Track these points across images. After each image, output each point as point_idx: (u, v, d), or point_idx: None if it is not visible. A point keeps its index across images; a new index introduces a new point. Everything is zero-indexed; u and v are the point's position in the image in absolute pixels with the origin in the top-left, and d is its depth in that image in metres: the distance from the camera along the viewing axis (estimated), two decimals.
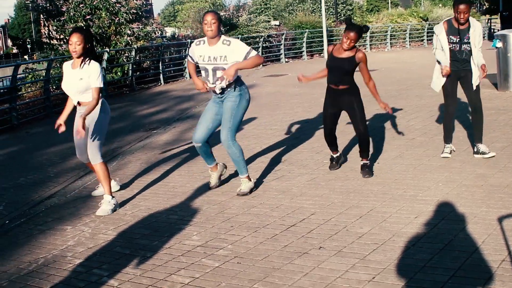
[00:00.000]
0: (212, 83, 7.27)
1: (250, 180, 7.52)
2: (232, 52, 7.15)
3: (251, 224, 6.29)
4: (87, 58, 6.96)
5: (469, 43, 8.10)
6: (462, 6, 7.95)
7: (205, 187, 7.83)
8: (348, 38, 7.60)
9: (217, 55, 7.18)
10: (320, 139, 10.20)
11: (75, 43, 6.86)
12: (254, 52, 7.25)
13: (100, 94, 7.08)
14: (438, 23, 8.42)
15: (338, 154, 8.44)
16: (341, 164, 8.48)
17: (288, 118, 12.70)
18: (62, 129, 6.92)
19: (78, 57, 6.96)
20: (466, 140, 9.28)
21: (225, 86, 7.25)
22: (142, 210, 7.07)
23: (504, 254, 5.05)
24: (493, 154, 8.32)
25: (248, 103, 7.52)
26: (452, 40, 8.12)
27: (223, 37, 7.26)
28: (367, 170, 7.95)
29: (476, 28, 8.14)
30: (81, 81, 6.94)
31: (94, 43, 7.26)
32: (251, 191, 7.46)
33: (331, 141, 8.28)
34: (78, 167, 9.22)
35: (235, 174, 7.92)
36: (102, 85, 7.08)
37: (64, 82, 7.16)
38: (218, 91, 7.27)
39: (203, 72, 7.33)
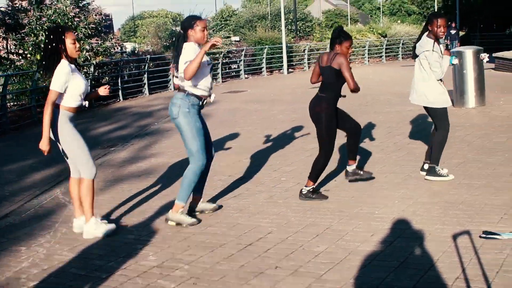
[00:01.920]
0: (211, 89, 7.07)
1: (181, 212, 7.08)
2: None
3: (208, 243, 6.27)
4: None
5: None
6: (443, 20, 8.04)
7: (163, 206, 7.78)
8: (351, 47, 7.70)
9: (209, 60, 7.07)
10: (278, 157, 10.27)
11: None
12: None
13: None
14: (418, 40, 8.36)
15: None
16: None
17: (246, 136, 12.71)
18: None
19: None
20: (422, 157, 9.34)
21: None
22: None
23: (458, 272, 5.10)
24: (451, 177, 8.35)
25: None
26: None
27: None
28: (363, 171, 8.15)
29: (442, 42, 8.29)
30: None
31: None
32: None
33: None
34: (35, 185, 9.11)
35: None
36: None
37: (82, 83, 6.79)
38: (212, 100, 7.14)
39: (209, 75, 6.99)
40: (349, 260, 5.55)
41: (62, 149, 6.70)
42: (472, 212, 6.71)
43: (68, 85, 6.50)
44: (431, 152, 8.34)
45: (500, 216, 6.53)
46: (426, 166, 8.45)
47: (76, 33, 21.99)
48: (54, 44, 6.53)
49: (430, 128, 8.79)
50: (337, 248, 5.90)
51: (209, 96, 7.03)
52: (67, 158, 6.76)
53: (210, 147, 7.24)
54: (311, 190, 7.75)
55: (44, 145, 6.45)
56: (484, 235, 5.91)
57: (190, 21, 6.90)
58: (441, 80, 8.17)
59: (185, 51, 6.80)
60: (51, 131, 6.52)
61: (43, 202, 8.47)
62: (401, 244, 5.89)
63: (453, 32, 35.66)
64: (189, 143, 6.88)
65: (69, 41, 6.56)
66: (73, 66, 6.63)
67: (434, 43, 8.02)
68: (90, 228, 6.71)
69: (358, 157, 8.70)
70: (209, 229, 6.77)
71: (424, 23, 8.46)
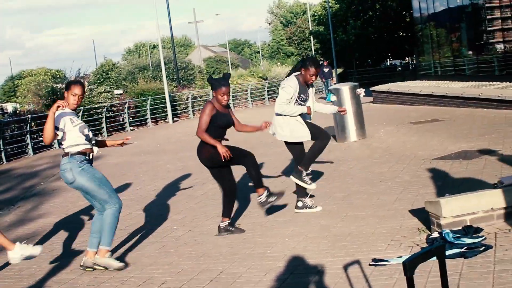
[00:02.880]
0: (91, 143, 7.17)
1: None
2: None
3: None
4: None
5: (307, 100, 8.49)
6: (317, 69, 8.37)
7: (53, 267, 7.61)
8: (224, 93, 7.75)
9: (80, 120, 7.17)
10: (168, 206, 10.25)
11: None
12: None
13: None
14: (285, 77, 8.63)
15: None
16: None
17: (134, 188, 12.63)
18: None
19: None
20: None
21: None
22: None
23: None
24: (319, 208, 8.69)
25: None
26: (302, 99, 8.42)
27: None
28: (235, 227, 8.18)
29: (312, 86, 8.57)
30: None
31: None
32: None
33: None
34: None
35: (81, 252, 7.70)
36: None
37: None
38: (96, 152, 7.27)
39: (85, 130, 7.04)
40: None
41: None
42: (360, 242, 6.89)
43: None
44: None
45: (387, 243, 6.73)
46: (299, 204, 8.71)
47: None
48: None
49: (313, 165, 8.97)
50: None
51: (92, 150, 7.14)
52: None
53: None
54: (228, 224, 8.01)
55: None
56: (373, 263, 6.07)
57: (69, 85, 7.15)
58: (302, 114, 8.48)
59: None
60: None
61: None
62: (295, 280, 5.98)
63: (326, 70, 36.60)
64: (99, 194, 7.05)
65: None
66: None
67: (296, 84, 8.34)
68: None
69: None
70: (103, 285, 6.66)
71: (297, 62, 8.70)
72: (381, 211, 8.14)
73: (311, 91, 8.60)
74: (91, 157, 7.14)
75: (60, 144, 7.07)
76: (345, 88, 15.19)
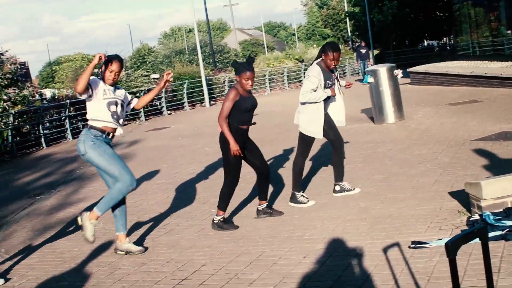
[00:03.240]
0: (115, 124, 7.10)
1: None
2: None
3: (143, 282, 6.24)
4: None
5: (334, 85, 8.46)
6: (337, 54, 8.29)
7: (93, 249, 7.71)
8: (249, 78, 7.62)
9: (120, 93, 7.19)
10: (206, 189, 10.30)
11: None
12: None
13: None
14: (310, 65, 8.61)
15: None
16: None
17: (173, 171, 12.70)
18: None
19: None
20: (347, 176, 9.50)
21: None
22: (31, 280, 6.88)
23: (391, 284, 5.20)
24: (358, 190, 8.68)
25: None
26: (328, 85, 8.38)
27: None
28: (273, 209, 8.12)
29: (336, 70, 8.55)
30: None
31: None
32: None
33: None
34: None
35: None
36: None
37: None
38: (120, 133, 7.24)
39: (112, 107, 7.02)
40: (284, 284, 5.60)
41: None
42: (399, 225, 6.86)
43: None
44: (335, 173, 8.75)
45: (427, 225, 6.69)
46: (337, 188, 8.70)
47: None
48: None
49: (347, 149, 8.94)
50: (271, 273, 5.94)
51: (114, 130, 7.12)
52: None
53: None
54: (222, 219, 7.86)
55: None
56: (413, 245, 6.05)
57: (107, 61, 7.06)
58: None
59: None
60: None
61: None
62: (334, 263, 5.98)
63: (363, 51, 36.14)
64: (109, 170, 6.98)
65: None
66: None
67: (319, 71, 8.29)
68: None
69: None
70: (143, 267, 6.73)
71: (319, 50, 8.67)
72: (420, 193, 8.09)
73: (336, 74, 8.56)
74: (110, 136, 7.10)
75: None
76: (383, 70, 15.09)
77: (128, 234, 7.54)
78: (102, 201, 7.07)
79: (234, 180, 7.82)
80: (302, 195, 8.49)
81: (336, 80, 8.53)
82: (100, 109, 6.98)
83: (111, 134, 7.10)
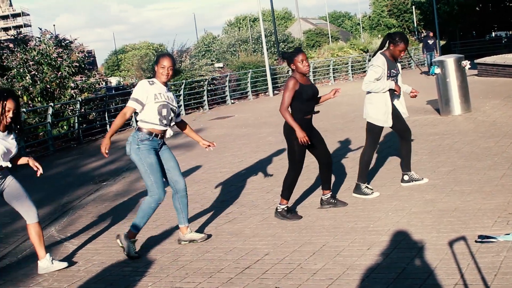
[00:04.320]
0: (166, 125, 7.11)
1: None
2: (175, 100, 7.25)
3: (206, 269, 6.28)
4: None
5: (398, 75, 8.36)
6: (406, 45, 8.18)
7: (158, 236, 7.79)
8: (303, 59, 7.56)
9: (169, 96, 7.14)
10: (270, 178, 10.30)
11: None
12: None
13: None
14: (374, 55, 8.51)
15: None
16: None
17: (236, 160, 12.74)
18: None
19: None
20: (412, 167, 9.40)
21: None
22: (96, 265, 6.99)
23: (456, 278, 5.13)
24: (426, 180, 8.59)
25: None
26: (393, 74, 8.29)
27: None
28: (337, 200, 8.09)
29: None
30: None
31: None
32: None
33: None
34: None
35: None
36: None
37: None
38: (169, 135, 7.20)
39: (163, 110, 7.02)
40: (348, 275, 5.56)
41: None
42: (466, 218, 6.74)
43: None
44: (403, 162, 8.69)
45: (494, 219, 6.57)
46: (406, 177, 8.59)
47: (60, 72, 22.08)
48: None
49: (415, 139, 8.82)
50: (334, 264, 5.92)
51: (164, 132, 7.13)
52: None
53: (176, 181, 7.32)
54: (285, 208, 7.83)
55: None
56: (479, 240, 5.95)
57: (158, 58, 7.17)
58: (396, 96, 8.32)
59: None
60: None
61: None
62: (398, 255, 5.92)
63: (430, 42, 35.31)
64: (144, 178, 7.09)
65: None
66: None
67: (384, 61, 8.21)
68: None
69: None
70: (206, 255, 6.77)
71: (382, 40, 8.54)
72: (487, 187, 7.94)
73: (399, 65, 8.45)
74: (159, 137, 7.10)
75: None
76: (450, 60, 14.83)
77: (191, 221, 7.59)
78: (136, 218, 7.15)
79: (297, 169, 7.78)
80: (367, 186, 8.41)
81: (399, 71, 8.43)
82: (150, 112, 7.00)
83: (159, 135, 7.11)
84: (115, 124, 7.08)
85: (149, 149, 7.02)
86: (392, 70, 8.26)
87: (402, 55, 8.22)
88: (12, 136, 6.72)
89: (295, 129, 7.45)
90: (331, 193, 8.13)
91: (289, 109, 7.62)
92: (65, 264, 6.96)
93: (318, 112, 7.83)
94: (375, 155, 10.68)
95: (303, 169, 7.92)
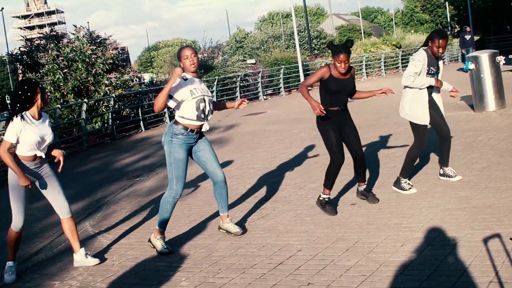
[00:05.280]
0: (203, 119, 7.09)
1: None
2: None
3: (239, 265, 6.30)
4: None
5: (438, 73, 8.30)
6: (444, 41, 8.11)
7: (191, 232, 7.84)
8: (341, 61, 7.51)
9: (204, 88, 7.14)
10: (303, 174, 10.31)
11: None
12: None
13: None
14: (415, 50, 8.50)
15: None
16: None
17: (269, 156, 12.75)
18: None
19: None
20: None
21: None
22: (129, 259, 7.06)
23: (491, 275, 5.09)
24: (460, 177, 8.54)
25: None
26: (431, 71, 8.24)
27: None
28: (371, 194, 8.10)
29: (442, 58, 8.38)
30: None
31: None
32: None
33: (337, 174, 7.93)
34: None
35: (219, 218, 7.83)
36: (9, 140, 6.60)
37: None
38: (206, 129, 7.20)
39: (201, 105, 7.00)
40: (381, 272, 5.55)
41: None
42: (500, 215, 6.68)
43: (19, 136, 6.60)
44: (441, 157, 8.65)
45: None
46: (441, 171, 8.58)
47: (94, 69, 22.28)
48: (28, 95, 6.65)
49: (450, 136, 8.75)
50: (367, 261, 5.90)
51: (200, 126, 7.12)
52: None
53: (213, 173, 7.37)
54: (327, 199, 7.89)
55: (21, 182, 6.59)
56: None
57: (178, 53, 7.17)
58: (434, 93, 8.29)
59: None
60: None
61: None
62: (432, 252, 5.89)
63: (468, 37, 34.54)
64: (168, 170, 7.21)
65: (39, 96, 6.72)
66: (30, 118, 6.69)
67: (425, 57, 8.14)
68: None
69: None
70: (239, 251, 6.80)
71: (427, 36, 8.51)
72: None
73: (440, 64, 8.39)
74: (195, 132, 7.10)
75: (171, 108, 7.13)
76: (484, 56, 14.68)
77: None
78: (158, 216, 7.28)
79: (335, 158, 7.73)
80: (407, 182, 8.36)
81: (439, 70, 8.37)
82: (188, 108, 7.00)
83: (195, 130, 7.11)
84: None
85: (181, 144, 7.05)
86: (431, 67, 8.20)
87: (441, 51, 8.15)
88: (47, 123, 6.80)
89: (309, 103, 7.46)
90: (365, 185, 8.12)
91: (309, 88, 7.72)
92: (97, 260, 7.03)
93: (342, 109, 7.76)
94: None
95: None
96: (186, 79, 7.01)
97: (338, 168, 7.79)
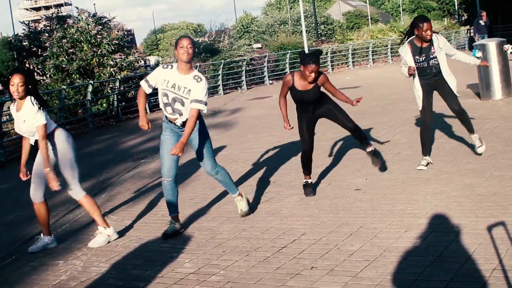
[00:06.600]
0: (170, 113, 7.00)
1: (242, 196, 7.54)
2: (196, 90, 6.82)
3: (243, 248, 6.31)
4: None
5: (435, 57, 8.27)
6: (428, 24, 8.17)
7: (195, 214, 7.85)
8: (312, 71, 7.59)
9: (182, 85, 6.85)
10: None
11: (17, 84, 6.64)
12: (202, 107, 6.82)
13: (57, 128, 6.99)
14: (402, 44, 8.57)
15: (310, 179, 8.29)
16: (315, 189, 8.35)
17: (274, 140, 12.73)
18: (24, 178, 7.00)
19: (20, 99, 6.74)
20: (452, 151, 9.36)
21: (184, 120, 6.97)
22: (134, 240, 7.07)
23: (495, 263, 5.08)
24: (483, 149, 8.81)
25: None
26: (418, 60, 8.28)
27: (195, 71, 6.97)
28: (378, 156, 8.39)
29: (440, 38, 8.37)
30: (25, 123, 6.77)
31: (36, 83, 7.03)
32: (248, 204, 7.59)
33: (308, 162, 8.20)
34: (68, 201, 9.19)
35: (222, 200, 7.87)
36: (44, 121, 6.70)
37: (15, 125, 7.02)
38: (179, 124, 7.01)
39: (164, 98, 6.95)
40: (385, 257, 5.55)
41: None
42: (505, 203, 6.67)
43: None
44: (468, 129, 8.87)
45: None
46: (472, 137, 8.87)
47: (99, 50, 22.26)
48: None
49: (456, 124, 8.80)
50: (371, 246, 5.90)
51: (174, 119, 7.03)
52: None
53: (202, 164, 7.41)
54: (304, 183, 8.25)
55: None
56: None
57: (176, 41, 7.07)
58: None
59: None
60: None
61: (77, 216, 8.57)
62: (436, 238, 5.88)
63: (482, 23, 32.76)
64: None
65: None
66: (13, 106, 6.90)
67: (406, 50, 8.42)
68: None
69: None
70: (243, 233, 6.81)
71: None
72: None
73: (436, 45, 8.33)
74: (172, 123, 7.05)
75: None
76: (492, 44, 14.61)
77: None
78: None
79: (303, 148, 8.20)
80: (423, 158, 8.72)
81: (433, 53, 8.33)
82: (159, 96, 7.03)
83: (173, 122, 7.05)
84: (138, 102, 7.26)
85: (166, 127, 7.13)
86: (416, 57, 8.31)
87: (429, 33, 8.18)
88: (21, 115, 6.79)
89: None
90: (372, 148, 8.23)
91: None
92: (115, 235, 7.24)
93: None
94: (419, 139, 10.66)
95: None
96: (166, 67, 7.01)
97: (306, 156, 8.17)
